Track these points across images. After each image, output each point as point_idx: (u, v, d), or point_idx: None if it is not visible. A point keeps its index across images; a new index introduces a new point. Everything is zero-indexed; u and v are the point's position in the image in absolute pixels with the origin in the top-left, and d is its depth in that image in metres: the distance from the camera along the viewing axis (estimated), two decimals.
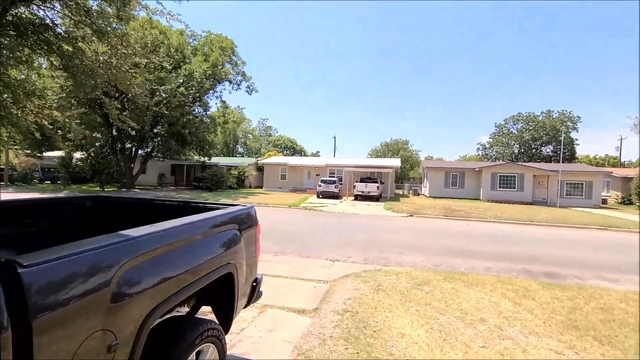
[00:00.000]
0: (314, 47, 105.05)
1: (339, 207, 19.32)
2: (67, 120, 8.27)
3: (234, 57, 29.13)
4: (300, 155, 57.21)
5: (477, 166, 30.15)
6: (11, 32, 5.64)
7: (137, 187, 28.10)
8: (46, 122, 7.69)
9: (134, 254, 1.40)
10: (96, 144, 26.67)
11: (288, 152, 60.11)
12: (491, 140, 60.26)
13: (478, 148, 62.49)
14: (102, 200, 3.26)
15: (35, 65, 7.35)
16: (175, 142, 27.15)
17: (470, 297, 4.86)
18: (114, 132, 26.09)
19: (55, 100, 8.71)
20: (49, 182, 29.89)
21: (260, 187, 33.50)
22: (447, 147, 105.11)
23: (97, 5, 6.66)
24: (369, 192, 23.71)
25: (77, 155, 28.15)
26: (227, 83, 29.62)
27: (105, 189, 25.89)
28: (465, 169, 30.10)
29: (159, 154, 29.19)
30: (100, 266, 1.25)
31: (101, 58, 7.16)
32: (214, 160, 34.18)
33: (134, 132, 25.97)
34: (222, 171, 29.51)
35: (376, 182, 24.85)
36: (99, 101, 23.19)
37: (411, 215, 16.44)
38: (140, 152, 28.76)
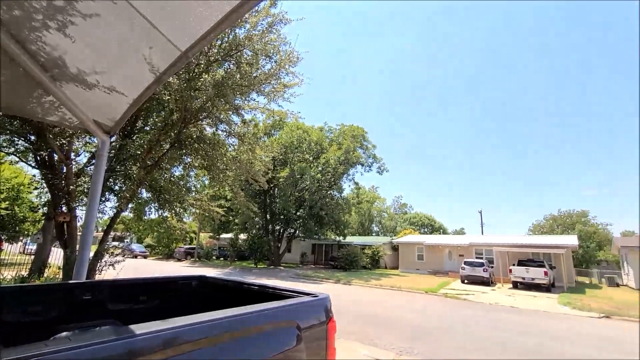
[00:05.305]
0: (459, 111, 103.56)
1: (491, 296, 15.65)
2: (215, 209, 10.35)
3: (365, 142, 31.61)
4: (440, 234, 52.35)
5: None
6: (177, 146, 8.04)
7: (282, 264, 31.14)
8: (203, 211, 10.04)
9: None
10: (256, 227, 32.08)
11: (425, 230, 56.28)
12: None
13: None
14: (204, 280, 3.49)
15: (189, 166, 9.89)
16: (314, 223, 29.71)
17: None
18: (268, 217, 30.99)
19: (208, 194, 11.26)
20: (222, 258, 36.83)
21: (396, 267, 31.55)
22: None
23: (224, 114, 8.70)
24: (532, 278, 18.54)
25: (242, 236, 34.18)
26: (359, 166, 31.77)
27: (258, 266, 29.73)
28: None
29: (301, 234, 32.27)
30: None
31: (230, 155, 9.11)
32: (349, 239, 35.04)
33: (282, 215, 30.17)
34: (356, 251, 29.67)
35: (542, 265, 19.43)
36: (257, 191, 28.68)
37: (607, 317, 11.55)
38: (286, 232, 32.58)
